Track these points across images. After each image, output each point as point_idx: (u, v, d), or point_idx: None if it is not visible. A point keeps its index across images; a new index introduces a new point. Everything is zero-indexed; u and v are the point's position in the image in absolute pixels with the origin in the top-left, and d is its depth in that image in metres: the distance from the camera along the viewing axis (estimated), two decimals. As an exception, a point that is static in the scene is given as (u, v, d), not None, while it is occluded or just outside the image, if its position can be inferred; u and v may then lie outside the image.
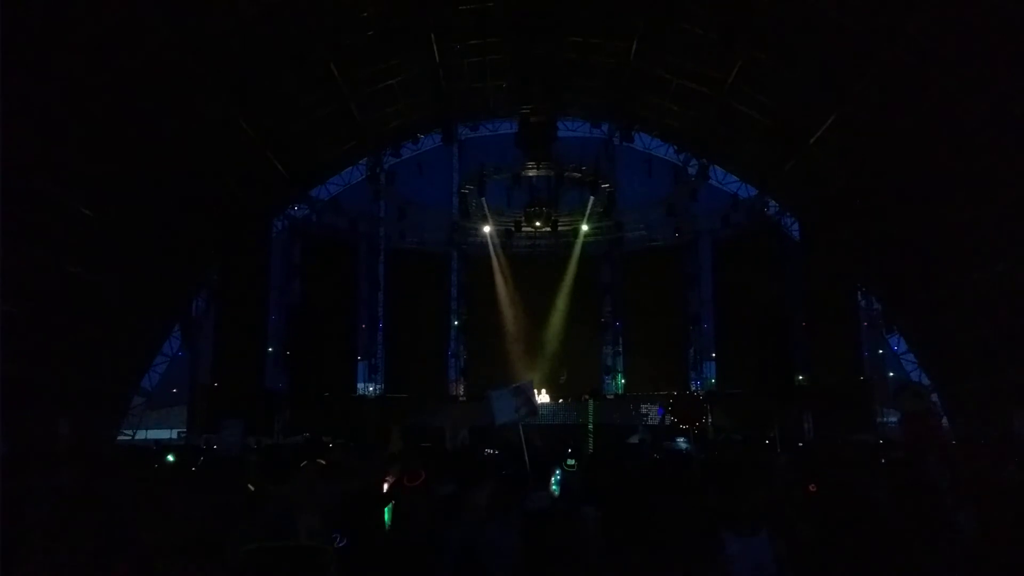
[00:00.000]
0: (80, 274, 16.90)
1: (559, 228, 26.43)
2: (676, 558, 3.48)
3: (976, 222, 16.45)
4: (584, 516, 4.26)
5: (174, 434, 23.04)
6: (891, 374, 22.83)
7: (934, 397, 22.08)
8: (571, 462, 7.26)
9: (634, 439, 16.51)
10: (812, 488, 5.38)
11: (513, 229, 26.63)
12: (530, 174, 25.00)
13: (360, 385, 26.71)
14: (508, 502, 4.29)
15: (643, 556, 3.53)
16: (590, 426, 14.16)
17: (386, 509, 4.63)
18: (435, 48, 20.73)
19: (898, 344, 22.71)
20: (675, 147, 26.26)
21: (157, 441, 21.22)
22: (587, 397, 22.17)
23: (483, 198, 25.95)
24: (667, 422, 19.75)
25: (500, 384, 7.64)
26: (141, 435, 22.31)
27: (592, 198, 26.10)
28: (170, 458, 9.33)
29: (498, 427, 7.22)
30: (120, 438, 21.17)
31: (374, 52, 20.15)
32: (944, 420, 20.76)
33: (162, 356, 22.87)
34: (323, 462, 6.32)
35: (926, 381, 22.27)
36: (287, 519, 3.79)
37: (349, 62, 19.96)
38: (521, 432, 6.55)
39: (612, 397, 26.35)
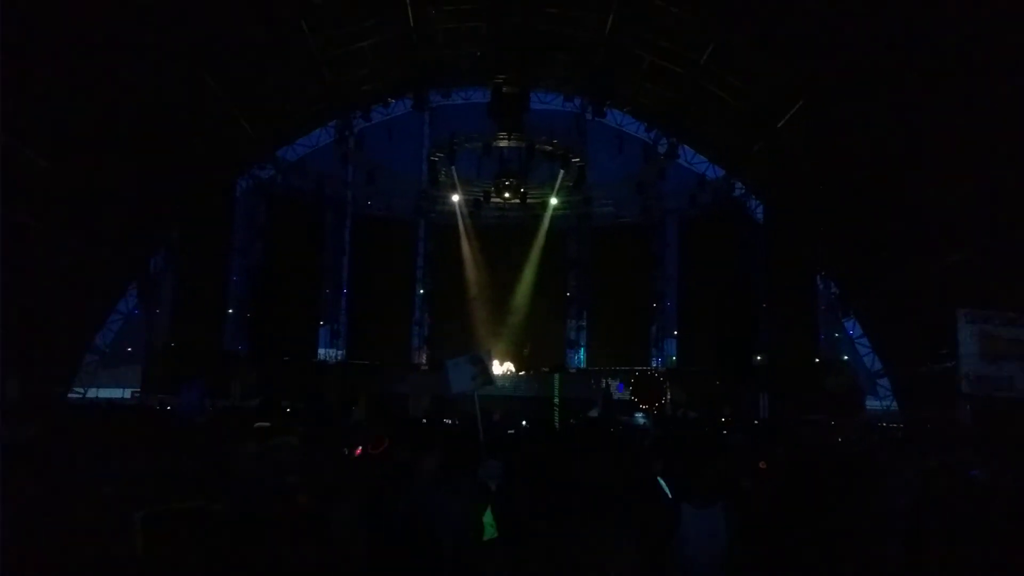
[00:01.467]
0: (33, 225, 16.41)
1: (528, 200, 26.37)
2: (632, 529, 3.57)
3: (934, 211, 16.82)
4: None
5: (127, 394, 22.64)
6: (844, 357, 23.41)
7: (884, 381, 22.79)
8: (510, 431, 7.37)
9: (593, 413, 16.73)
10: (762, 465, 5.55)
11: (482, 199, 26.50)
12: (501, 145, 24.82)
13: (322, 351, 26.51)
14: (459, 470, 4.30)
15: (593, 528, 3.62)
16: (555, 400, 14.24)
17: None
18: (409, 12, 20.36)
19: (853, 328, 23.26)
20: (646, 125, 26.29)
21: (109, 400, 20.87)
22: (547, 370, 22.35)
23: (453, 167, 25.74)
24: (627, 398, 20.02)
25: (460, 353, 7.63)
26: (92, 393, 21.90)
27: (562, 172, 26.06)
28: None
29: (453, 396, 7.24)
30: (71, 395, 20.78)
31: (347, 13, 19.74)
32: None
33: (117, 314, 22.42)
34: (267, 424, 6.30)
35: (878, 366, 22.91)
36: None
37: (321, 21, 19.53)
38: (476, 401, 6.57)
39: (575, 371, 26.61)
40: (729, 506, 3.76)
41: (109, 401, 20.43)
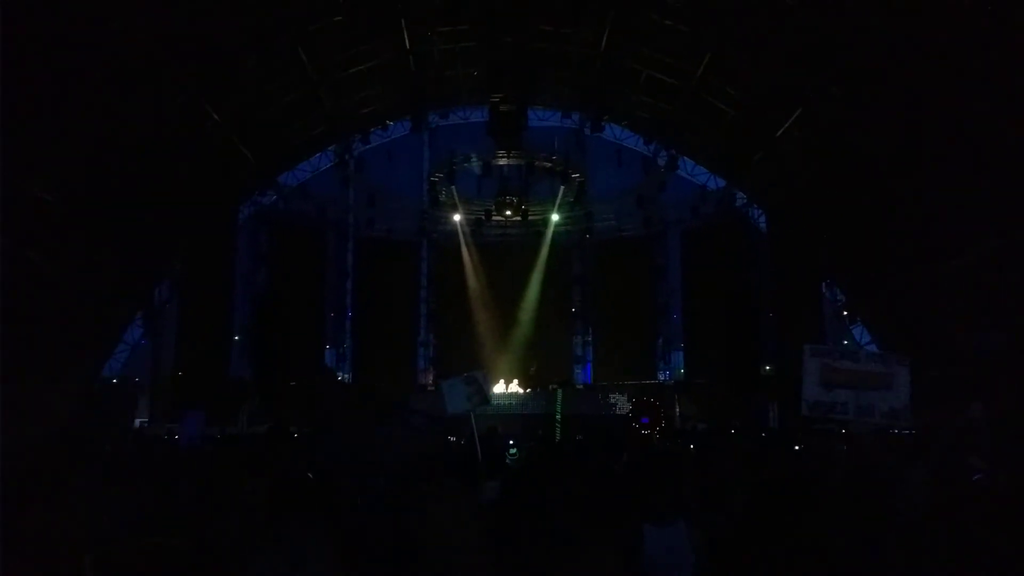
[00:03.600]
0: (39, 260, 16.51)
1: (529, 217, 26.40)
2: (595, 549, 3.57)
3: (939, 216, 16.75)
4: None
5: (136, 423, 22.62)
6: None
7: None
8: (513, 451, 7.35)
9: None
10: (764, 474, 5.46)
11: (483, 218, 26.53)
12: (501, 163, 24.89)
13: (328, 374, 26.51)
14: (455, 491, 4.27)
15: (557, 547, 3.61)
16: (558, 416, 14.19)
17: None
18: (405, 35, 20.54)
19: (861, 335, 23.09)
20: (645, 138, 26.34)
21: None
22: (554, 387, 22.26)
23: (453, 186, 25.81)
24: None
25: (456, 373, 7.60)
26: (103, 424, 21.86)
27: (562, 188, 26.11)
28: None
29: (449, 416, 7.21)
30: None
31: (344, 37, 19.90)
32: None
33: (124, 344, 22.47)
34: None
35: (888, 372, 22.70)
36: None
37: (318, 47, 19.71)
38: (473, 422, 6.53)
39: (582, 387, 26.48)
40: (690, 524, 3.77)
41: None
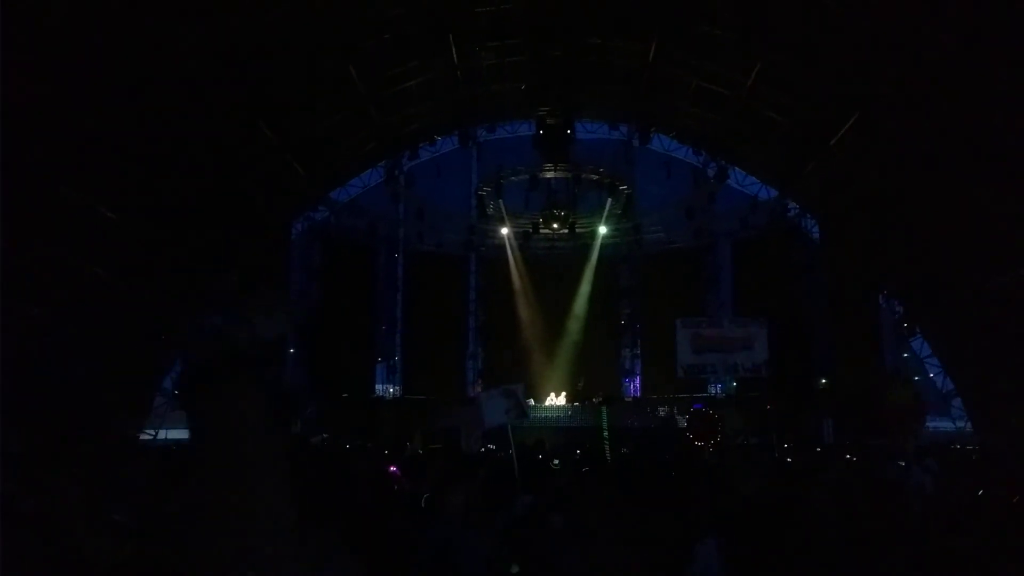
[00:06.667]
0: (103, 276, 17.10)
1: (577, 230, 26.36)
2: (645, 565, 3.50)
3: (1001, 224, 16.19)
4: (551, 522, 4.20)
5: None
6: (915, 378, 22.51)
7: (957, 401, 21.83)
8: (556, 462, 7.36)
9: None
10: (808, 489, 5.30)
11: (531, 231, 26.58)
12: (548, 176, 24.93)
13: (379, 387, 26.80)
14: (489, 505, 4.23)
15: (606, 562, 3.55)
16: (605, 434, 13.97)
17: None
18: (453, 50, 20.77)
19: (921, 348, 22.42)
20: (694, 148, 26.09)
21: (177, 441, 21.38)
22: (595, 400, 22.06)
23: (501, 200, 25.93)
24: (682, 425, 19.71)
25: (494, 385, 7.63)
26: (163, 434, 22.50)
27: (610, 200, 26.00)
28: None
29: (487, 430, 7.22)
30: (143, 437, 21.39)
31: (392, 54, 20.22)
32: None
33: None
34: None
35: (950, 386, 21.98)
36: None
37: (367, 64, 20.06)
38: (510, 434, 6.53)
39: (630, 400, 26.24)
40: (722, 542, 3.65)
41: (177, 442, 20.94)
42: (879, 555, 3.75)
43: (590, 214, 26.78)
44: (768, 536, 3.81)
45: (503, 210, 26.48)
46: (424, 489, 4.99)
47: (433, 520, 4.18)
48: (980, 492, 5.73)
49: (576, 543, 3.63)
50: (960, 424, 21.63)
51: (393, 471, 5.85)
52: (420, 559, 3.81)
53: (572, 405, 24.09)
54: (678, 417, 22.25)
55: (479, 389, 27.25)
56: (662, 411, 22.97)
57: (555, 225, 25.84)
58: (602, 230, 26.92)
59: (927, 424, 20.20)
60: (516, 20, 19.83)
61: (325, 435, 20.11)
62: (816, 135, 20.42)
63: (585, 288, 26.97)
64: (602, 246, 27.22)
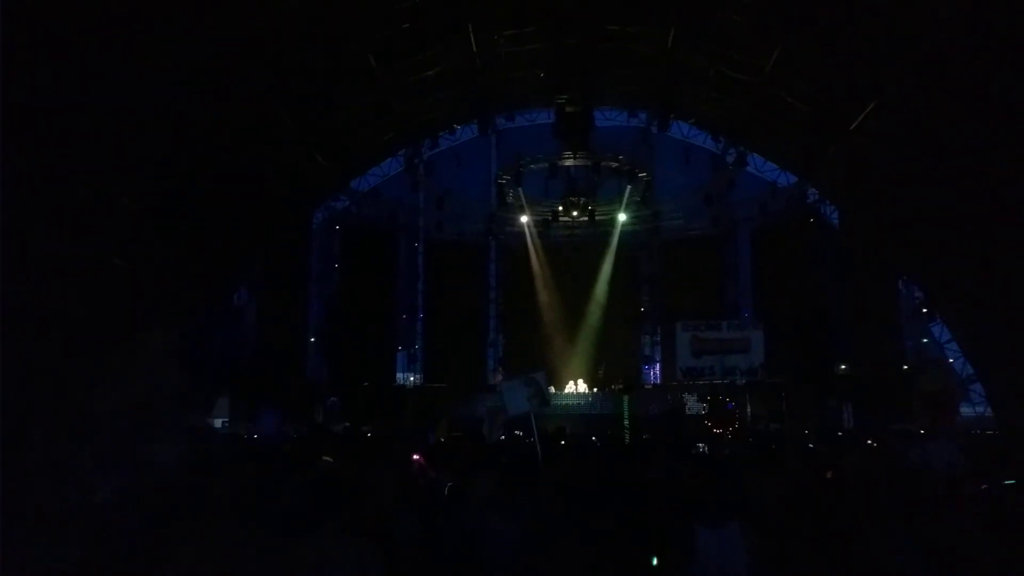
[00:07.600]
0: (124, 266, 17.35)
1: (596, 218, 26.42)
2: (645, 549, 3.56)
3: (1021, 208, 16.07)
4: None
5: (218, 423, 23.64)
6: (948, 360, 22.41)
7: (976, 387, 21.73)
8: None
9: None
10: (829, 474, 5.35)
11: (550, 219, 26.68)
12: (567, 164, 25.00)
13: (400, 375, 27.06)
14: (513, 491, 4.28)
15: (610, 547, 3.61)
16: (626, 421, 14.17)
17: None
18: (472, 39, 20.81)
19: (941, 333, 22.31)
20: (712, 135, 26.02)
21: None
22: (616, 388, 22.20)
23: (520, 188, 26.05)
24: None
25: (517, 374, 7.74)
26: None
27: (629, 187, 26.03)
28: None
29: (510, 417, 7.33)
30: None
31: (412, 43, 20.30)
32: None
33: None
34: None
35: (970, 371, 21.87)
36: None
37: (387, 54, 20.16)
38: (533, 422, 6.65)
39: (650, 387, 26.34)
40: (747, 526, 3.61)
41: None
42: (900, 539, 3.81)
43: (609, 201, 26.83)
44: (793, 521, 3.84)
45: (523, 198, 26.60)
46: (448, 478, 5.11)
47: (458, 508, 4.31)
48: (1004, 478, 5.74)
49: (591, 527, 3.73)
50: (980, 409, 21.54)
51: (417, 459, 5.99)
52: (446, 546, 3.90)
53: (593, 392, 24.21)
54: (698, 405, 22.36)
55: (500, 377, 27.47)
56: (686, 398, 23.07)
57: (575, 213, 25.92)
58: (621, 217, 26.97)
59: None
60: (534, 7, 19.84)
61: (346, 424, 20.38)
62: (836, 121, 20.30)
63: (605, 275, 27.06)
64: (621, 233, 27.27)
